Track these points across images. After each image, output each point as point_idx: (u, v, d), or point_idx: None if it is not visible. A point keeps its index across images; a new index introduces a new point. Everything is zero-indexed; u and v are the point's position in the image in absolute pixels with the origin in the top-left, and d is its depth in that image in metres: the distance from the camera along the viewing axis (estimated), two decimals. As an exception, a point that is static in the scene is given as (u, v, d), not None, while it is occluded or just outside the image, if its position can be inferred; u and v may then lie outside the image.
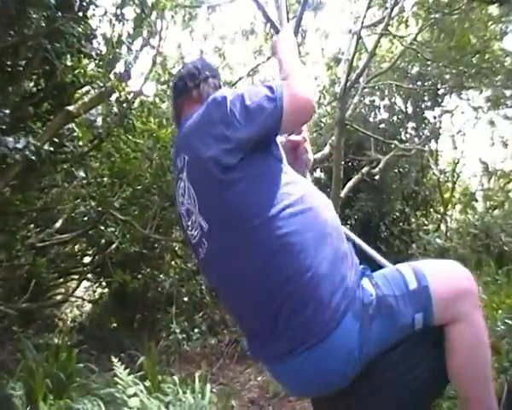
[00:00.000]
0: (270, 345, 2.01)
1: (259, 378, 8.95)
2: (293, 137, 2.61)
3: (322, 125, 13.24)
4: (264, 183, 2.03)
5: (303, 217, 2.00)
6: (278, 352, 1.98)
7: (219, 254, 2.04)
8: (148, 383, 6.87)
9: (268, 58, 11.64)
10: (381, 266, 2.34)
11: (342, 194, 8.87)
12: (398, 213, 12.61)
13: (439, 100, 12.52)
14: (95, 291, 12.20)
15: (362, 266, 2.14)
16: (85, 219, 8.78)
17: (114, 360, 6.80)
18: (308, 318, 1.89)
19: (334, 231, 2.10)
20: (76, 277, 11.04)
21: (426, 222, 13.06)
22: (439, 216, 13.44)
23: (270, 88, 2.08)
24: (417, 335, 2.02)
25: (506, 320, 6.35)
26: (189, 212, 2.11)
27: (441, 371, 2.01)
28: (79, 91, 7.28)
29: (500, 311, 7.37)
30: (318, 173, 13.27)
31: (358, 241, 2.64)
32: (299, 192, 2.06)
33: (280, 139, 2.30)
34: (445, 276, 2.07)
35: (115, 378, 6.60)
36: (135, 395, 6.41)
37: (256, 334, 2.09)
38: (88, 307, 12.50)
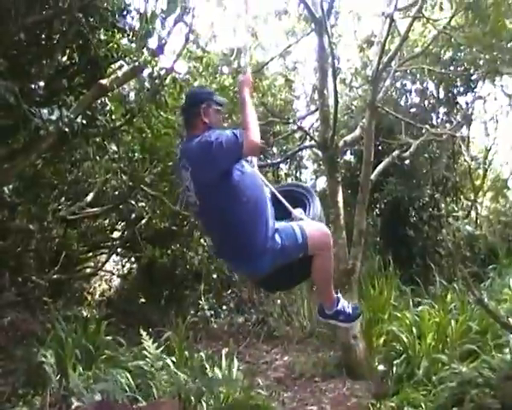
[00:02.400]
0: (228, 254, 3.96)
1: (286, 358, 9.02)
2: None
3: (354, 107, 13.20)
4: (230, 186, 3.57)
5: (254, 208, 3.66)
6: (232, 257, 3.97)
7: (205, 212, 3.78)
8: (175, 358, 6.97)
9: (300, 39, 11.62)
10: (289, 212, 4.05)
11: (372, 177, 8.80)
12: (427, 199, 12.49)
13: (472, 85, 12.34)
14: (124, 266, 12.37)
15: (276, 225, 3.76)
16: (116, 193, 8.89)
17: (143, 333, 6.93)
18: (247, 252, 3.70)
19: (265, 213, 3.71)
20: (105, 251, 11.20)
21: (456, 209, 12.94)
22: (470, 203, 13.31)
23: (236, 136, 3.46)
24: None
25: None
26: (188, 189, 3.71)
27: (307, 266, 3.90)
28: (112, 66, 7.29)
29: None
30: (348, 156, 13.26)
31: (277, 194, 4.12)
32: (251, 191, 3.67)
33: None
34: (316, 234, 3.80)
35: (143, 352, 6.72)
36: (163, 368, 6.53)
37: (223, 246, 3.92)
38: (117, 281, 12.66)
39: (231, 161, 3.56)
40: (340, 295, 4.24)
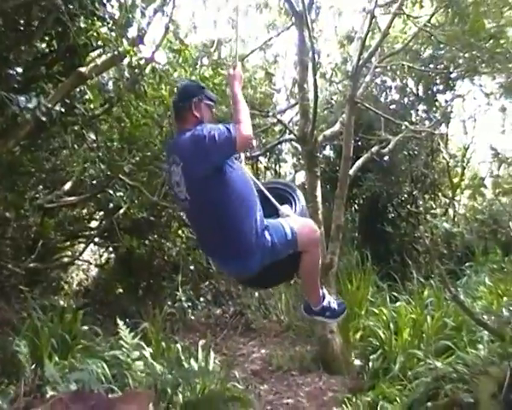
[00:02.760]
0: (217, 252, 3.92)
1: (263, 351, 9.03)
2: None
3: (333, 102, 13.22)
4: (222, 181, 3.56)
5: (246, 204, 3.65)
6: (222, 256, 3.90)
7: (196, 209, 3.72)
8: (151, 349, 6.95)
9: (280, 32, 11.62)
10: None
11: (351, 172, 8.82)
12: (406, 196, 12.60)
13: (451, 84, 12.42)
14: (101, 256, 12.34)
15: (265, 222, 3.74)
16: (94, 182, 8.83)
17: (120, 322, 6.89)
18: (237, 250, 3.66)
19: (254, 209, 3.69)
20: (83, 240, 11.10)
21: (434, 206, 13.05)
22: (448, 200, 13.43)
23: (229, 130, 3.45)
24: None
25: (511, 308, 6.42)
26: (178, 184, 3.65)
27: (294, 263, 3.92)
28: (92, 54, 7.25)
29: (505, 298, 7.44)
30: (328, 151, 13.29)
31: (264, 191, 4.11)
32: (241, 187, 3.66)
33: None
34: (305, 230, 3.83)
35: (120, 342, 6.69)
36: (139, 358, 6.50)
37: (212, 244, 3.87)
38: (94, 271, 12.58)
39: (224, 156, 3.56)
40: (325, 290, 4.27)
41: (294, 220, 3.89)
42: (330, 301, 4.21)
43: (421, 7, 9.66)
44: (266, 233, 3.69)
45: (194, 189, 3.60)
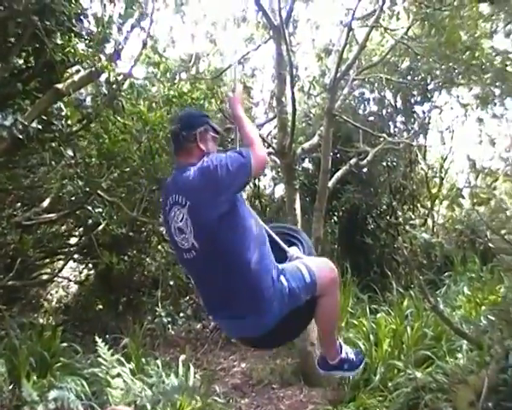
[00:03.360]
0: (229, 310, 3.32)
1: (243, 365, 9.00)
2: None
3: (312, 115, 13.25)
4: (236, 221, 3.18)
5: (261, 249, 3.25)
6: (234, 314, 3.31)
7: (203, 260, 3.20)
8: (131, 365, 6.92)
9: (258, 46, 11.65)
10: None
11: (330, 184, 8.85)
12: (385, 207, 12.64)
13: (429, 95, 12.50)
14: (81, 272, 12.19)
15: (279, 266, 3.36)
16: (73, 199, 8.79)
17: (98, 340, 6.85)
18: (254, 302, 3.20)
19: (268, 252, 3.33)
20: (62, 257, 11.04)
21: (413, 216, 13.08)
22: (426, 211, 13.47)
23: (241, 154, 3.18)
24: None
25: (489, 316, 6.45)
26: (182, 231, 3.19)
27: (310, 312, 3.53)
28: (69, 70, 7.26)
29: (483, 307, 7.47)
30: (306, 163, 13.31)
31: (271, 232, 3.73)
32: (253, 226, 3.29)
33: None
34: (324, 271, 3.46)
35: (99, 359, 6.65)
36: (118, 375, 6.47)
37: (222, 302, 3.32)
38: (74, 287, 12.47)
39: (240, 186, 3.26)
40: (340, 339, 3.91)
41: (310, 261, 3.53)
42: (348, 351, 3.80)
43: (398, 19, 9.75)
44: (282, 278, 3.29)
45: (205, 233, 3.14)
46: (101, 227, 8.96)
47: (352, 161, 10.42)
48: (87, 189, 8.07)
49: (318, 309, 3.49)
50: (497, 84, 9.59)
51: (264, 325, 3.29)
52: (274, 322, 3.27)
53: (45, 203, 8.65)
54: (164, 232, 10.57)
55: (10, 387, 5.99)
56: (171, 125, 3.65)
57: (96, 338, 6.95)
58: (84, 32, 6.98)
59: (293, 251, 3.72)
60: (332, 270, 3.53)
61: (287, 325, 3.36)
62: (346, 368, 3.79)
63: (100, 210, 8.53)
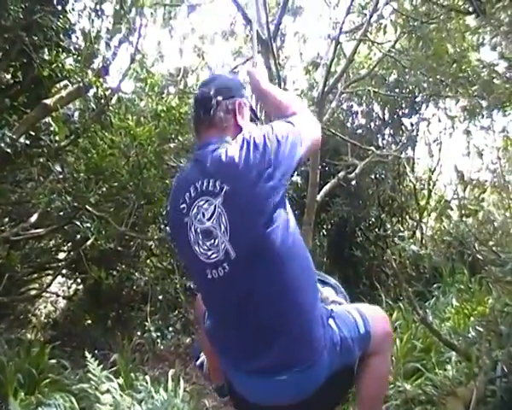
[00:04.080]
0: (262, 360, 2.34)
1: (233, 379, 8.98)
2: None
3: (300, 128, 13.28)
4: (295, 237, 2.39)
5: (309, 271, 2.46)
6: (270, 366, 2.34)
7: (239, 279, 2.29)
8: (121, 381, 6.87)
9: (247, 60, 11.70)
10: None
11: (318, 198, 8.90)
12: (373, 219, 12.66)
13: (417, 108, 12.56)
14: (69, 287, 12.12)
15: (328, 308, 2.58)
16: (61, 214, 8.74)
17: (88, 355, 6.81)
18: (303, 348, 2.36)
19: (316, 281, 2.55)
20: (50, 272, 10.96)
21: (401, 229, 13.10)
22: (415, 223, 13.50)
23: (290, 123, 2.40)
24: None
25: (477, 327, 6.46)
26: (209, 234, 2.30)
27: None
28: (57, 86, 7.27)
29: (472, 318, 7.48)
30: (295, 177, 13.33)
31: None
32: (298, 239, 2.43)
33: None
34: (379, 321, 2.68)
35: (88, 374, 6.61)
36: (108, 391, 6.42)
37: (248, 350, 2.41)
38: (62, 303, 12.39)
39: (293, 168, 2.36)
40: None
41: (362, 307, 2.72)
42: None
43: (385, 32, 9.82)
44: (332, 322, 2.50)
45: (249, 237, 2.27)
46: (89, 242, 8.93)
47: (341, 174, 10.46)
48: (75, 204, 8.04)
49: (366, 371, 2.65)
50: (485, 95, 9.63)
51: (310, 381, 2.41)
52: (323, 379, 2.42)
53: (33, 218, 8.61)
54: (151, 247, 10.61)
55: (-3, 406, 5.96)
56: (199, 89, 2.68)
57: (86, 353, 6.92)
58: (71, 47, 7.00)
59: (327, 293, 2.85)
60: (387, 321, 2.83)
61: (332, 390, 2.53)
62: None
63: (88, 225, 8.50)
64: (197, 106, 2.61)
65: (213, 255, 2.29)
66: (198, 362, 3.34)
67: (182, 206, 2.41)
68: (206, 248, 2.31)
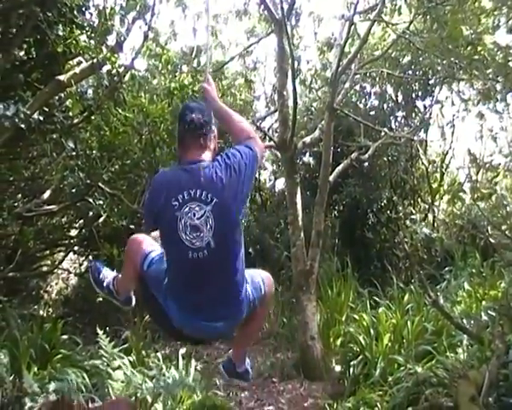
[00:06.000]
0: (211, 314, 3.19)
1: (243, 359, 9.01)
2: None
3: (313, 109, 13.25)
4: (241, 228, 3.22)
5: (243, 256, 3.24)
6: (215, 317, 3.21)
7: (213, 260, 3.05)
8: (132, 358, 6.92)
9: (260, 39, 11.66)
10: None
11: (331, 178, 8.86)
12: (385, 201, 12.61)
13: (430, 90, 12.50)
14: (81, 264, 12.18)
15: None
16: (73, 190, 8.77)
17: (100, 332, 6.85)
18: (236, 307, 3.26)
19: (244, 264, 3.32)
20: (62, 249, 11.05)
21: (413, 211, 13.06)
22: (427, 206, 13.44)
23: (250, 147, 3.19)
24: None
25: (489, 311, 6.45)
26: (197, 229, 3.00)
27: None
28: (71, 62, 7.21)
29: (484, 302, 7.47)
30: (307, 158, 13.31)
31: None
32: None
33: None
34: (269, 284, 3.57)
35: (100, 351, 6.65)
36: (119, 367, 6.47)
37: (203, 308, 3.19)
38: (74, 279, 12.49)
39: (253, 178, 3.31)
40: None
41: (262, 272, 3.66)
42: (248, 361, 4.02)
43: (400, 14, 9.71)
44: (248, 288, 3.37)
45: (226, 233, 3.07)
46: (101, 219, 8.96)
47: (353, 155, 10.42)
48: (88, 181, 8.06)
49: (253, 319, 3.55)
50: (499, 79, 9.54)
51: (232, 327, 3.45)
52: (236, 326, 3.48)
53: (46, 195, 8.64)
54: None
55: (11, 378, 5.98)
56: (191, 115, 3.24)
57: (98, 330, 6.95)
58: (86, 24, 6.95)
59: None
60: (273, 284, 3.73)
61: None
62: (245, 378, 4.07)
63: (101, 202, 8.51)
64: (193, 128, 3.22)
65: (197, 243, 3.01)
66: (99, 276, 3.90)
67: (174, 203, 3.03)
68: (191, 237, 3.01)
